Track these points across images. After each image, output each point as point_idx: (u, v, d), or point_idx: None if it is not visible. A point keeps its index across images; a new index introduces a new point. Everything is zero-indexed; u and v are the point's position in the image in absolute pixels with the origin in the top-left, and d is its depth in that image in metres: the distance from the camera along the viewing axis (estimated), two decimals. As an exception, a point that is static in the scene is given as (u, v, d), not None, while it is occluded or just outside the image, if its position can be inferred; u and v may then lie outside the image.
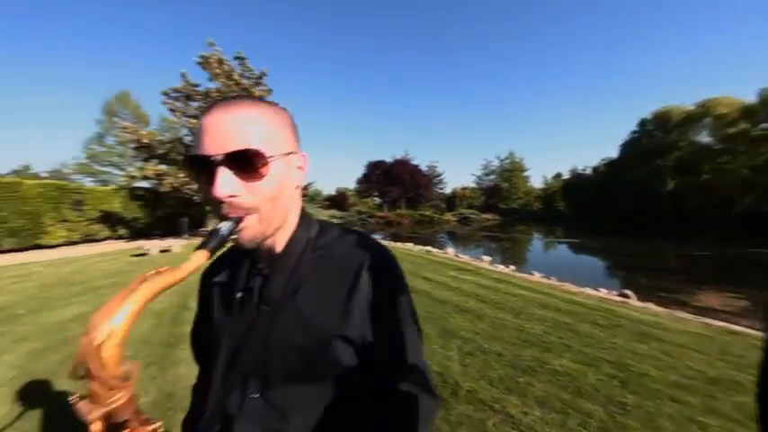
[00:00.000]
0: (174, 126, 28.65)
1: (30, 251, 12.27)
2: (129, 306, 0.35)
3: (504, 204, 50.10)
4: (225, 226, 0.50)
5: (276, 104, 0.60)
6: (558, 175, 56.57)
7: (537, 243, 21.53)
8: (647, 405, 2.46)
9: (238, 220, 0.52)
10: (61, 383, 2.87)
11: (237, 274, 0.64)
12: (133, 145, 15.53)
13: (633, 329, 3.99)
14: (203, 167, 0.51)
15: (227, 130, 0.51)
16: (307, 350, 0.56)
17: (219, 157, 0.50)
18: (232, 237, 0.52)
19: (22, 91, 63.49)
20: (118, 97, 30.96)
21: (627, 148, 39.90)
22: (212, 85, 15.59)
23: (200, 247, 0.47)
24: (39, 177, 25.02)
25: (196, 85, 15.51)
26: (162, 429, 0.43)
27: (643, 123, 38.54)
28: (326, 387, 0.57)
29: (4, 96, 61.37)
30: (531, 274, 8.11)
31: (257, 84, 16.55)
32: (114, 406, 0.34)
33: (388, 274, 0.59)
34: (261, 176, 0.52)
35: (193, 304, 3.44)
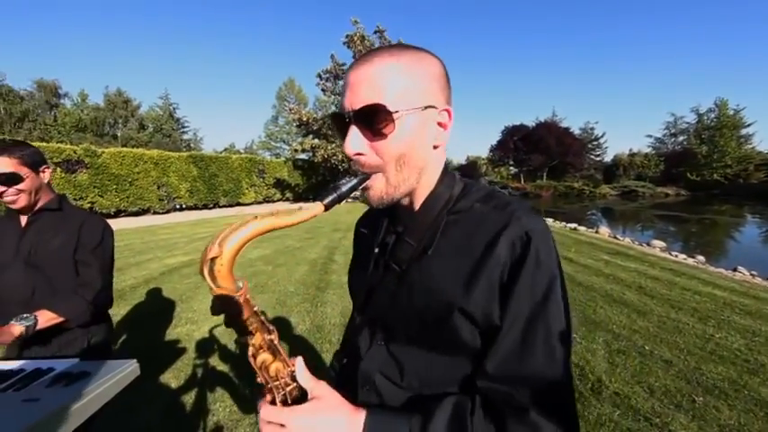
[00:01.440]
0: (325, 104, 33.24)
1: (234, 207, 16.85)
2: (237, 236, 0.41)
3: (698, 175, 36.26)
4: (347, 183, 0.50)
5: (424, 51, 0.53)
6: None
7: (751, 230, 14.68)
8: None
9: (363, 179, 0.51)
10: (256, 303, 3.88)
11: (378, 227, 0.65)
12: (296, 123, 18.76)
13: None
14: (341, 124, 0.52)
15: (359, 85, 0.49)
16: (425, 317, 0.53)
17: (350, 114, 0.49)
18: (361, 194, 0.52)
19: (225, 87, 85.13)
20: (286, 84, 37.68)
21: None
22: (355, 62, 17.00)
23: (318, 198, 0.48)
24: (239, 153, 33.48)
25: (343, 65, 17.20)
26: (277, 339, 0.48)
27: None
28: (443, 359, 0.53)
29: (214, 92, 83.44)
30: (734, 270, 5.98)
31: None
32: (224, 295, 0.43)
33: (533, 251, 0.47)
34: (384, 135, 0.49)
35: (338, 257, 4.04)
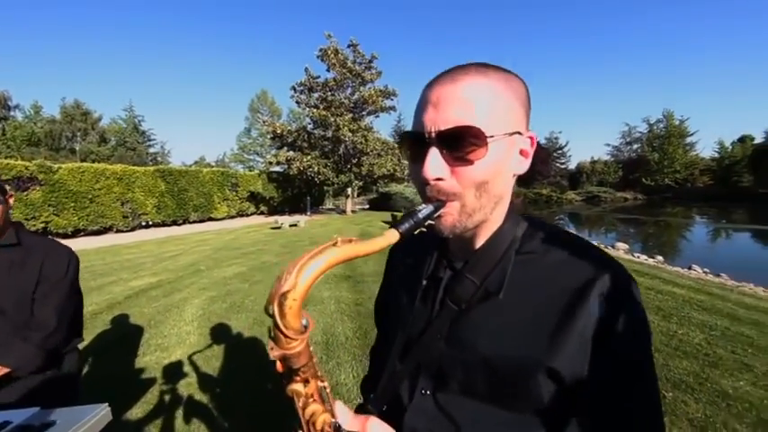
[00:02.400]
0: (299, 117, 33.04)
1: (205, 223, 16.22)
2: (314, 266, 0.36)
3: (651, 180, 39.52)
4: (423, 210, 0.45)
5: (509, 71, 0.49)
6: (745, 139, 40.67)
7: (699, 230, 16.42)
8: None
9: (439, 206, 0.46)
10: (231, 324, 3.72)
11: (426, 258, 0.58)
12: (270, 135, 18.51)
13: None
14: (416, 145, 0.47)
15: (447, 103, 0.44)
16: (495, 367, 0.47)
17: (432, 135, 0.45)
18: (429, 222, 0.47)
19: (195, 96, 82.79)
20: (258, 96, 37.19)
21: None
22: (330, 75, 17.09)
23: (394, 226, 0.43)
24: (210, 166, 32.43)
25: (316, 77, 17.25)
26: (328, 389, 0.43)
27: None
28: (507, 416, 0.47)
29: (182, 104, 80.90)
30: (689, 268, 6.44)
31: (368, 68, 17.35)
32: (290, 352, 0.36)
33: (630, 306, 0.43)
34: (470, 161, 0.44)
35: None
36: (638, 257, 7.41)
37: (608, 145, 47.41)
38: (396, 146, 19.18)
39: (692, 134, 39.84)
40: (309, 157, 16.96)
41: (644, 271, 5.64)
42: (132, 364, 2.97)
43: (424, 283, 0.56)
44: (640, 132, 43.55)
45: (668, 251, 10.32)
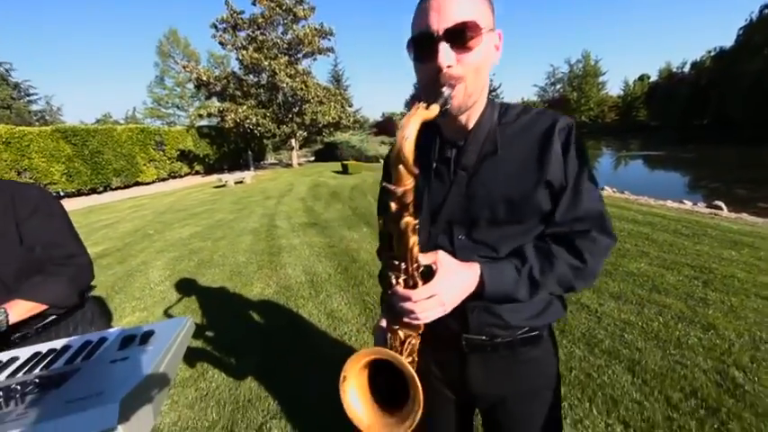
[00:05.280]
0: (222, 61, 28.99)
1: (131, 188, 14.48)
2: (414, 120, 0.49)
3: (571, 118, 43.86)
4: (446, 89, 0.58)
5: None
6: (643, 78, 46.36)
7: (607, 159, 19.68)
8: (730, 301, 2.49)
9: (451, 88, 0.58)
10: (207, 279, 3.70)
11: (430, 147, 0.73)
12: (192, 84, 16.23)
13: (722, 238, 3.78)
14: (425, 44, 0.59)
15: (448, 6, 0.57)
16: (511, 199, 0.66)
17: (440, 33, 0.57)
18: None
19: (89, 45, 67.24)
20: (167, 36, 31.45)
21: (749, 32, 30.75)
22: (257, 10, 15.05)
23: (430, 103, 0.54)
24: (119, 124, 27.84)
25: (240, 13, 15.07)
26: (417, 226, 0.55)
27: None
28: (522, 228, 0.68)
29: (69, 50, 65.65)
30: (602, 189, 7.67)
31: (299, 2, 15.56)
32: (408, 187, 0.49)
33: (574, 134, 0.66)
34: (470, 49, 0.58)
35: (280, 223, 4.12)
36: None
37: (535, 86, 50.28)
38: (338, 92, 18.26)
39: (604, 73, 43.98)
40: (245, 108, 15.41)
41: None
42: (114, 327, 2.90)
43: (435, 165, 0.72)
44: (563, 73, 46.55)
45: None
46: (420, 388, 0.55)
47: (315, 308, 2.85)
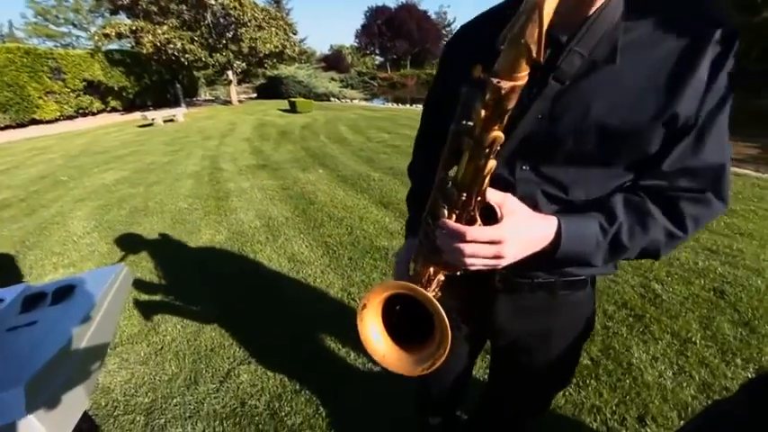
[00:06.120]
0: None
1: (30, 128, 11.98)
2: None
3: None
4: None
5: None
6: None
7: None
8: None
9: None
10: (145, 228, 3.30)
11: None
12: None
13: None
14: None
15: None
16: (612, 130, 0.49)
17: None
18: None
19: None
20: None
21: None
22: None
23: None
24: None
25: None
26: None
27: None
28: (609, 172, 0.52)
29: None
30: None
31: None
32: (520, 83, 0.33)
33: (734, 51, 0.45)
34: None
35: (225, 165, 3.67)
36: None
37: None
38: (280, 15, 15.90)
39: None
40: (166, 29, 12.84)
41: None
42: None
43: None
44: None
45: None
46: (449, 333, 0.48)
47: (274, 252, 2.71)
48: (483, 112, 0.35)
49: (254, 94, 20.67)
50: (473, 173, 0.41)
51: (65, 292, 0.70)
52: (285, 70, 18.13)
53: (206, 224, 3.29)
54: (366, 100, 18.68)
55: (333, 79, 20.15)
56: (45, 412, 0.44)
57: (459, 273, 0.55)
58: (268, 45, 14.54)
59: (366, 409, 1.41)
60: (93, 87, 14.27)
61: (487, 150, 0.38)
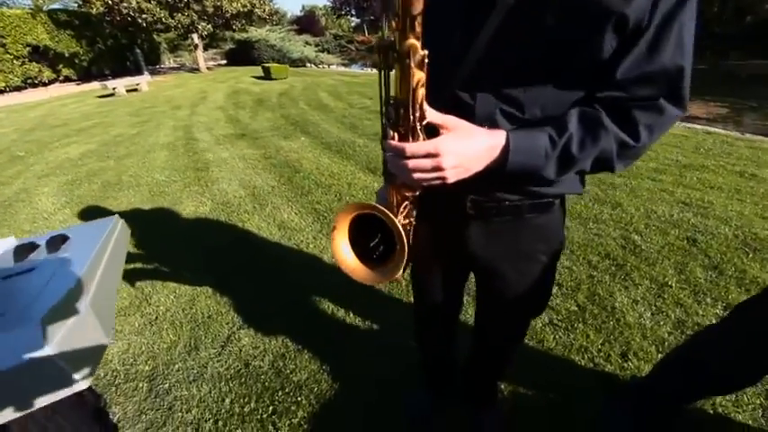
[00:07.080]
0: None
1: (-27, 99, 10.83)
2: None
3: None
4: None
5: None
6: None
7: None
8: (631, 183, 2.93)
9: None
10: (122, 202, 3.13)
11: None
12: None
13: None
14: None
15: None
16: (563, 40, 0.48)
17: None
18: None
19: None
20: None
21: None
22: None
23: None
24: None
25: None
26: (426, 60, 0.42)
27: None
28: (564, 84, 0.52)
29: None
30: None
31: None
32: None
33: None
34: None
35: (201, 135, 3.53)
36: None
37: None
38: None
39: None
40: (118, -16, 11.53)
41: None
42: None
43: None
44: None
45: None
46: (405, 242, 0.52)
47: (262, 221, 2.65)
48: (394, 22, 0.38)
49: (224, 61, 19.29)
50: (405, 87, 0.43)
51: (59, 241, 0.66)
52: (255, 33, 16.87)
53: (188, 196, 3.16)
54: (344, 65, 17.84)
55: (308, 43, 19.00)
56: (66, 349, 0.42)
57: (417, 193, 0.58)
58: (235, 4, 13.41)
59: (368, 363, 1.46)
60: (39, 54, 12.91)
61: (407, 60, 0.40)
